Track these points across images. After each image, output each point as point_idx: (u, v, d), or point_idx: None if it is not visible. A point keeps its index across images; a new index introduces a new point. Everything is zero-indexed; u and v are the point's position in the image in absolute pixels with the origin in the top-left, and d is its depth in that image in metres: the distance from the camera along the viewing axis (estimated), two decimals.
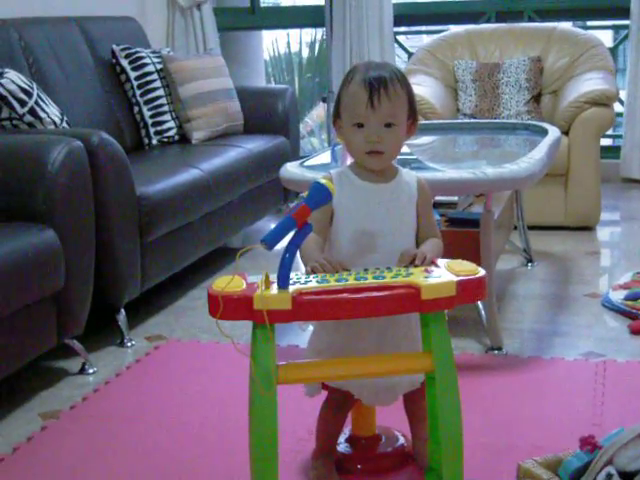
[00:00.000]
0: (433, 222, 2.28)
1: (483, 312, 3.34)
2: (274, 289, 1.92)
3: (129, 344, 3.48)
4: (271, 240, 1.89)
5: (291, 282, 1.95)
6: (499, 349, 3.24)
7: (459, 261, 2.07)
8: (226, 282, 1.95)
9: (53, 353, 3.24)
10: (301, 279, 1.99)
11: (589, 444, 2.06)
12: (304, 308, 1.90)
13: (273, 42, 8.75)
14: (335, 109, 2.21)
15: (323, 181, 1.96)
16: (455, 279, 1.96)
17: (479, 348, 3.28)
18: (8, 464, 2.55)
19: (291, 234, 1.93)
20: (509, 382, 2.99)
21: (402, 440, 2.47)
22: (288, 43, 8.81)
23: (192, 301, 3.98)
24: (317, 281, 1.97)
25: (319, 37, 8.47)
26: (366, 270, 2.04)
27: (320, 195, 1.94)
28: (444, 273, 2.00)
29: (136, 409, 2.90)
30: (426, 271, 2.01)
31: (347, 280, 1.96)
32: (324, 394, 2.34)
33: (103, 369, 3.25)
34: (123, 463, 2.53)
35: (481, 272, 2.01)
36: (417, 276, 1.97)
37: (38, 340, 2.97)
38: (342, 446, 2.44)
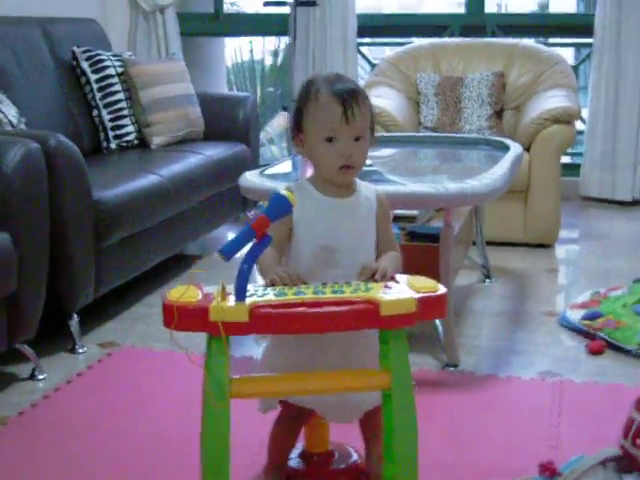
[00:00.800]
0: (392, 236, 2.25)
1: (440, 328, 3.32)
2: (231, 301, 1.88)
3: (81, 350, 3.42)
4: (229, 251, 1.85)
5: (248, 294, 1.91)
6: (455, 366, 3.23)
7: (419, 277, 2.04)
8: (181, 292, 1.91)
9: (3, 357, 3.18)
10: (258, 291, 1.95)
11: (548, 470, 2.04)
12: (261, 321, 1.86)
13: (236, 50, 8.70)
14: (296, 122, 2.14)
15: (284, 192, 1.93)
16: (415, 296, 1.93)
17: (435, 364, 3.26)
18: None
19: (249, 245, 1.90)
20: (465, 400, 2.96)
21: (355, 456, 2.43)
22: (251, 51, 8.76)
23: (147, 308, 3.93)
24: (275, 294, 1.93)
25: (282, 46, 8.44)
26: (325, 284, 2.00)
27: (280, 206, 1.91)
28: (404, 289, 1.97)
29: (86, 417, 2.85)
30: (386, 287, 1.98)
31: (305, 294, 1.93)
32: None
33: (54, 375, 3.19)
34: (71, 473, 2.48)
35: (442, 289, 1.98)
36: (376, 291, 1.94)
37: None
38: (294, 461, 2.39)
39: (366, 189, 2.19)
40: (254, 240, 1.89)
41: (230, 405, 1.93)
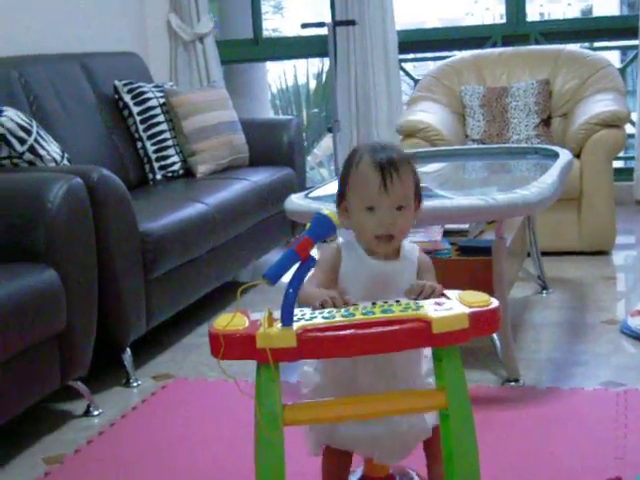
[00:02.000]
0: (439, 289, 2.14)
1: (498, 342, 3.25)
2: (278, 326, 1.84)
3: (135, 384, 3.39)
4: (273, 275, 1.81)
5: (295, 319, 1.86)
6: (516, 381, 3.15)
7: (471, 292, 1.98)
8: (227, 320, 1.87)
9: (57, 395, 3.16)
10: (306, 315, 1.90)
11: None
12: (309, 345, 1.81)
13: (280, 75, 8.71)
14: (340, 191, 2.13)
15: (326, 212, 1.88)
16: (467, 311, 1.86)
17: (495, 380, 3.18)
18: None
19: (294, 268, 1.85)
20: (527, 415, 2.88)
21: None
22: (295, 76, 8.76)
23: (199, 338, 3.89)
24: (323, 317, 1.88)
25: (326, 68, 8.41)
26: (374, 304, 1.95)
27: (323, 227, 1.86)
28: (455, 305, 1.91)
29: (142, 452, 2.81)
30: (436, 303, 1.92)
31: (354, 315, 1.87)
32: None
33: (109, 410, 3.17)
34: None
35: (494, 303, 1.92)
36: (427, 309, 1.88)
37: (41, 383, 2.89)
38: None
39: (410, 252, 2.16)
40: (299, 263, 1.84)
41: (283, 434, 1.88)
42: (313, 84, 8.82)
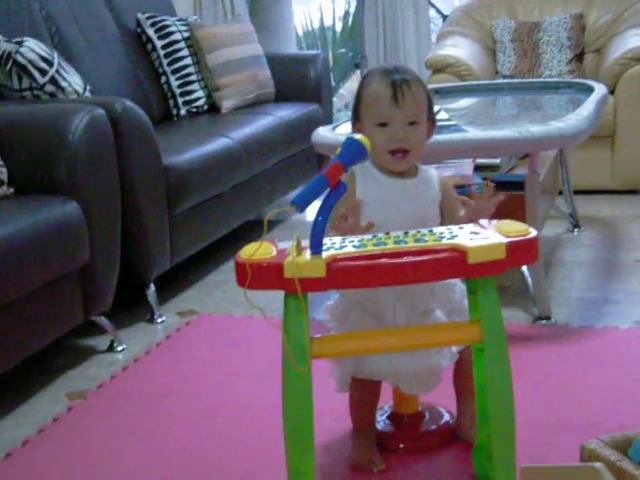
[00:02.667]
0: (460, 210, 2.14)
1: (529, 279, 3.17)
2: (306, 255, 1.76)
3: (159, 320, 3.34)
4: (302, 201, 1.73)
5: (325, 247, 1.79)
6: (547, 318, 3.07)
7: (508, 221, 1.90)
8: (254, 249, 1.80)
9: (80, 331, 3.12)
10: (336, 244, 1.83)
11: None
12: (339, 275, 1.74)
13: (306, 16, 8.57)
14: (354, 112, 2.14)
15: (357, 136, 1.80)
16: (505, 240, 1.79)
17: (526, 318, 3.11)
18: (33, 446, 2.42)
19: (324, 195, 1.78)
20: (560, 353, 2.81)
21: (447, 417, 2.31)
22: (321, 18, 8.61)
23: (224, 274, 3.83)
24: (353, 246, 1.81)
25: (352, 9, 8.26)
26: (406, 233, 1.87)
27: (354, 152, 1.78)
28: (492, 234, 1.83)
29: (166, 388, 2.76)
30: (473, 232, 1.84)
31: (386, 244, 1.80)
32: None
33: (132, 346, 3.12)
34: (152, 445, 2.39)
35: (533, 232, 1.84)
36: (462, 238, 1.80)
37: (63, 317, 2.84)
38: (383, 424, 2.29)
39: (428, 173, 2.15)
40: (328, 189, 1.77)
41: (312, 367, 1.82)
42: (339, 26, 8.69)
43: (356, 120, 2.13)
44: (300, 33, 8.48)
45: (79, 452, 2.38)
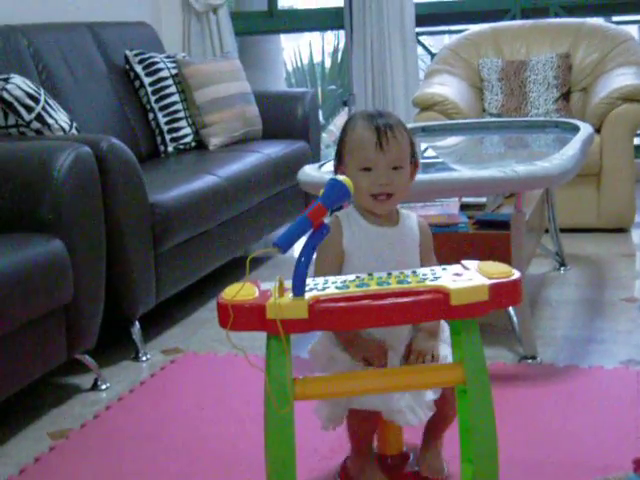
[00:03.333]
0: (434, 262, 2.17)
1: (515, 318, 3.17)
2: (289, 297, 1.76)
3: (144, 358, 3.32)
4: (284, 242, 1.73)
5: (307, 289, 1.79)
6: (533, 358, 3.06)
7: (490, 262, 1.90)
8: (236, 290, 1.80)
9: (64, 369, 3.10)
10: (318, 285, 1.82)
11: None
12: (322, 316, 1.74)
13: (295, 53, 8.62)
14: (337, 155, 2.15)
15: (341, 178, 1.80)
16: (487, 282, 1.79)
17: (512, 357, 3.10)
18: None
19: (307, 236, 1.77)
20: (545, 393, 2.80)
21: None
22: (310, 54, 8.66)
23: (210, 312, 3.82)
24: (336, 287, 1.80)
25: (342, 45, 8.31)
26: (389, 274, 1.87)
27: (337, 193, 1.78)
28: (475, 276, 1.83)
29: (150, 427, 2.74)
30: (455, 274, 1.84)
31: (369, 285, 1.80)
32: None
33: (117, 385, 3.10)
34: None
35: (516, 274, 1.84)
36: (445, 280, 1.80)
37: (47, 355, 2.81)
38: None
39: (408, 218, 2.17)
40: (311, 230, 1.76)
41: (294, 408, 1.81)
42: (328, 63, 8.74)
43: (339, 163, 2.14)
44: (290, 69, 8.53)
45: None
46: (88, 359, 3.07)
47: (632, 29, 7.40)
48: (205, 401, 2.91)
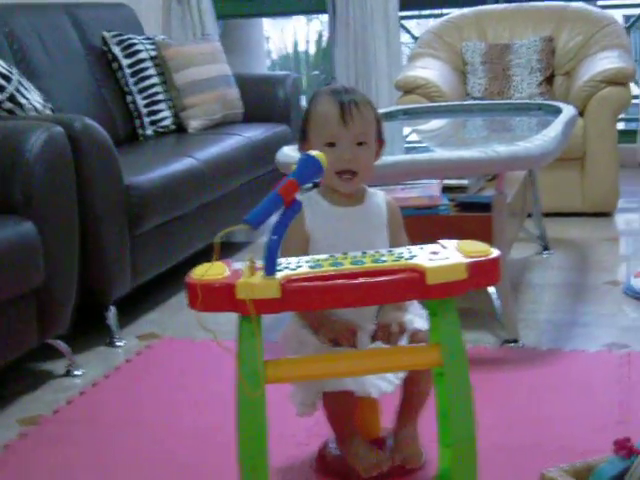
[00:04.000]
0: (405, 242, 2.13)
1: (497, 302, 3.12)
2: (260, 276, 1.70)
3: (119, 343, 3.25)
4: (255, 219, 1.67)
5: (279, 268, 1.73)
6: (515, 341, 3.01)
7: (469, 241, 1.85)
8: (206, 269, 1.74)
9: (37, 354, 3.04)
10: (291, 264, 1.77)
11: (625, 448, 1.80)
12: (294, 296, 1.68)
13: (280, 40, 8.56)
14: (302, 131, 2.11)
15: (314, 153, 1.74)
16: (465, 261, 1.73)
17: (493, 341, 3.05)
18: None
19: (278, 213, 1.72)
20: (527, 377, 2.75)
21: None
22: (295, 41, 8.59)
23: None
24: (309, 266, 1.75)
25: (326, 31, 8.25)
26: (364, 253, 1.82)
27: (310, 169, 1.72)
28: (453, 254, 1.77)
29: (125, 413, 2.68)
30: (432, 252, 1.78)
31: (343, 264, 1.74)
32: None
33: (91, 370, 3.03)
34: (109, 473, 2.31)
35: (494, 252, 1.79)
36: (421, 258, 1.75)
37: (17, 340, 2.75)
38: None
39: (376, 196, 2.13)
40: (283, 207, 1.71)
41: (266, 392, 1.75)
42: (313, 50, 8.70)
43: (304, 140, 2.10)
44: (275, 57, 8.48)
45: None
46: (61, 344, 3.00)
47: (616, 14, 7.37)
48: (181, 387, 2.85)
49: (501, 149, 2.84)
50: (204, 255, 3.97)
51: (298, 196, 1.98)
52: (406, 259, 1.75)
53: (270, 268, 1.70)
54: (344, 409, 2.10)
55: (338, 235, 2.04)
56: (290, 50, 8.65)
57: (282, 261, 1.77)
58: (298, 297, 1.69)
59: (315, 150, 1.95)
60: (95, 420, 2.64)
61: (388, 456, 2.11)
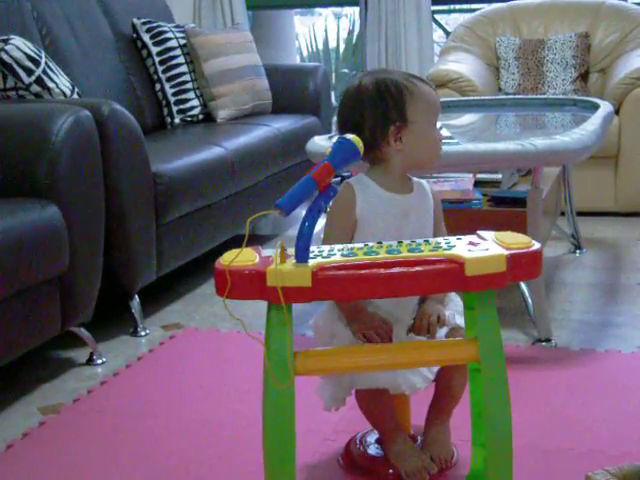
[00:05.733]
0: (444, 231, 2.08)
1: (530, 300, 3.04)
2: (291, 263, 1.64)
3: (143, 333, 3.20)
4: (287, 204, 1.60)
5: (312, 255, 1.66)
6: (548, 340, 2.94)
7: (509, 233, 1.78)
8: (235, 255, 1.67)
9: (59, 342, 2.98)
10: (324, 252, 1.70)
11: None
12: (326, 285, 1.61)
13: (310, 36, 8.49)
14: (398, 113, 1.95)
15: (350, 136, 1.68)
16: (506, 252, 1.66)
17: (525, 339, 2.98)
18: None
19: (312, 198, 1.65)
20: (561, 377, 2.68)
21: None
22: (325, 37, 8.52)
23: (213, 288, 3.66)
24: (342, 254, 1.68)
25: (356, 29, 8.17)
26: (400, 242, 1.75)
27: (347, 152, 1.65)
28: (492, 246, 1.70)
29: (145, 403, 2.62)
30: (471, 243, 1.71)
31: (377, 253, 1.67)
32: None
33: (113, 360, 2.98)
34: (128, 464, 2.25)
35: (536, 245, 1.72)
36: (460, 249, 1.68)
37: (40, 327, 2.69)
38: (373, 448, 2.14)
39: (421, 185, 2.06)
40: (317, 192, 1.64)
41: (295, 384, 1.69)
42: (343, 47, 8.63)
43: (401, 122, 1.95)
44: (305, 54, 8.43)
45: (47, 470, 2.24)
46: (84, 332, 2.95)
47: None
48: (205, 378, 2.79)
49: (538, 142, 2.76)
50: (230, 247, 3.94)
51: (350, 179, 1.92)
52: (444, 249, 1.68)
53: (302, 255, 1.63)
54: (380, 406, 2.03)
55: (388, 222, 1.96)
56: (320, 47, 8.59)
57: (314, 249, 1.70)
58: (330, 286, 1.62)
59: (423, 130, 1.95)
60: (115, 410, 2.58)
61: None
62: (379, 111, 1.94)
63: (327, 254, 1.68)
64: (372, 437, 2.17)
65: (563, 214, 4.04)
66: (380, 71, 2.04)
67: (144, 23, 4.52)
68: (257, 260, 1.68)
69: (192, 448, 2.31)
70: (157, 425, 2.47)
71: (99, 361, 2.96)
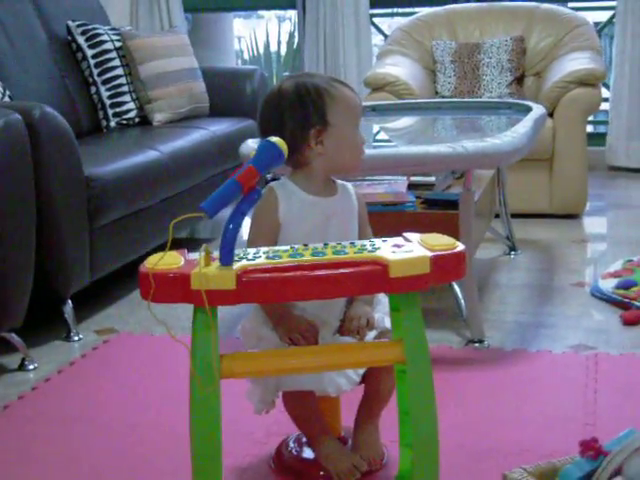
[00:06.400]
0: (370, 233, 2.09)
1: (463, 301, 3.07)
2: (216, 266, 1.63)
3: (76, 338, 3.17)
4: (211, 206, 1.61)
5: (237, 258, 1.66)
6: (480, 341, 2.96)
7: (434, 235, 1.79)
8: (159, 258, 1.67)
9: None
10: (249, 255, 1.70)
11: (592, 449, 1.74)
12: (250, 288, 1.61)
13: (252, 40, 8.48)
14: (318, 117, 1.95)
15: (274, 139, 1.68)
16: (429, 254, 1.67)
17: (458, 341, 3.00)
18: None
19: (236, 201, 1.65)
20: (491, 377, 2.70)
21: None
22: (266, 40, 8.51)
23: None
24: (267, 257, 1.68)
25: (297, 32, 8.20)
26: (325, 245, 1.75)
27: (270, 155, 1.66)
28: (417, 247, 1.71)
29: (78, 409, 2.60)
30: (395, 245, 1.72)
31: (303, 255, 1.68)
32: None
33: (45, 365, 2.95)
34: (59, 471, 2.23)
35: (459, 246, 1.73)
36: (384, 251, 1.69)
37: None
38: (303, 450, 2.15)
39: (346, 188, 2.06)
40: (241, 195, 1.64)
41: (220, 387, 1.69)
42: (284, 49, 8.64)
43: (320, 125, 1.95)
44: (246, 57, 8.42)
45: None
46: (15, 338, 2.92)
47: (589, 16, 7.36)
48: (138, 383, 2.78)
49: (469, 145, 2.79)
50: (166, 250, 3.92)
51: (273, 183, 1.92)
52: (369, 251, 1.69)
53: (226, 258, 1.63)
54: (306, 408, 2.03)
55: (311, 225, 1.96)
56: (262, 50, 8.59)
57: (239, 252, 1.70)
58: (254, 289, 1.62)
59: (346, 133, 1.95)
60: (46, 416, 2.55)
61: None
62: (299, 114, 1.95)
63: (252, 257, 1.69)
64: (302, 441, 2.17)
65: (498, 216, 4.08)
66: (301, 75, 2.05)
67: (79, 25, 4.48)
68: (182, 263, 1.68)
69: (118, 452, 2.30)
70: (89, 431, 2.45)
71: (31, 367, 2.92)
